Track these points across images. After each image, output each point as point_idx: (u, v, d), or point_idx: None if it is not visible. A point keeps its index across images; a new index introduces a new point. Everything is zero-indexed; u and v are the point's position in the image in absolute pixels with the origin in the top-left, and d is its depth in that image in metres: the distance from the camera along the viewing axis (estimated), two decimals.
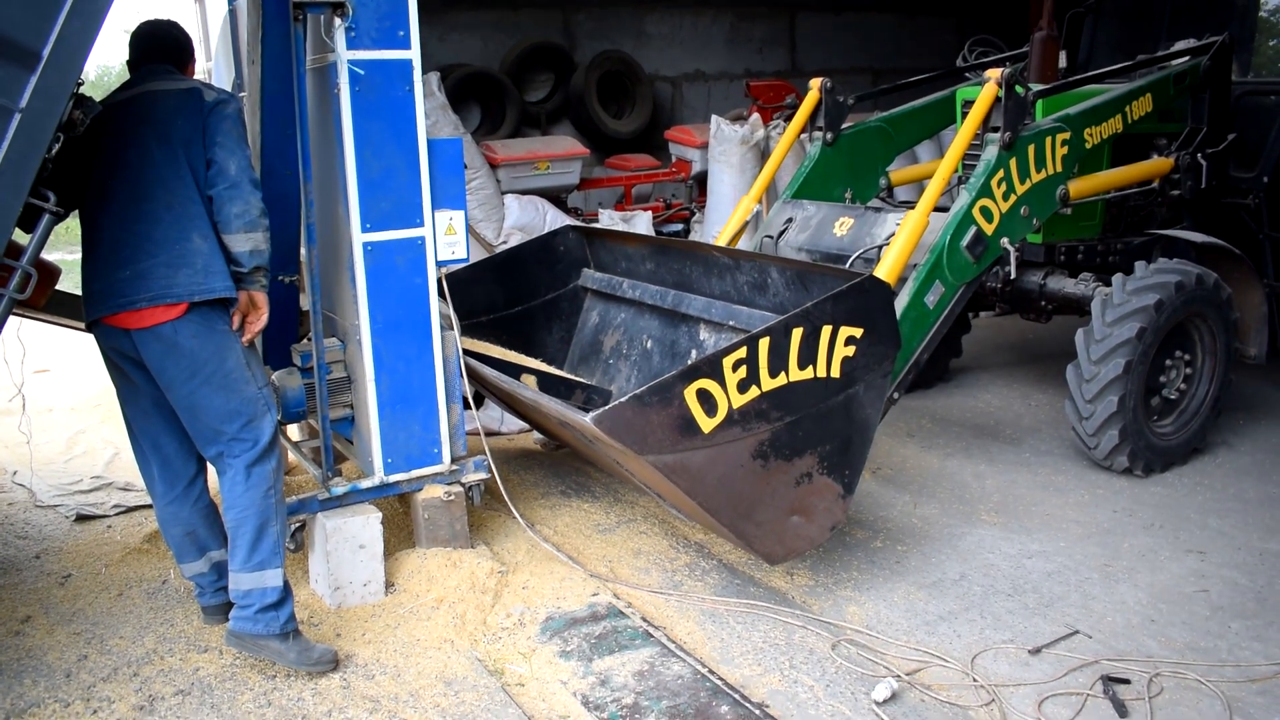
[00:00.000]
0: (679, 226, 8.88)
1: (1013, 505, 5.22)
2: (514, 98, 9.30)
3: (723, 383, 3.66)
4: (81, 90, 3.37)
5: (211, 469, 3.84)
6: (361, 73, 3.81)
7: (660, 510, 5.15)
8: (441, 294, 4.22)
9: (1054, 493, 5.37)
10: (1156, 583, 4.34)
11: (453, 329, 4.31)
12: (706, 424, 3.66)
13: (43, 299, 4.41)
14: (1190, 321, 5.69)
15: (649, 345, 5.65)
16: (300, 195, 3.97)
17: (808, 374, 3.84)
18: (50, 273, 4.37)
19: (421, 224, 4.07)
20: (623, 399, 3.54)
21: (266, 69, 3.89)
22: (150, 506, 5.26)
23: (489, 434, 6.36)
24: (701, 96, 11.18)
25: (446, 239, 4.15)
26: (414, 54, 3.94)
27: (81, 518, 5.14)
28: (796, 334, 3.79)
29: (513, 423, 6.46)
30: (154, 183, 3.48)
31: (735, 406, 3.69)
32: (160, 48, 3.74)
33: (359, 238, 3.96)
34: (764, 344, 3.72)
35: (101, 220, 3.55)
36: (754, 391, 3.72)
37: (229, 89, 5.63)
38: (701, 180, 8.90)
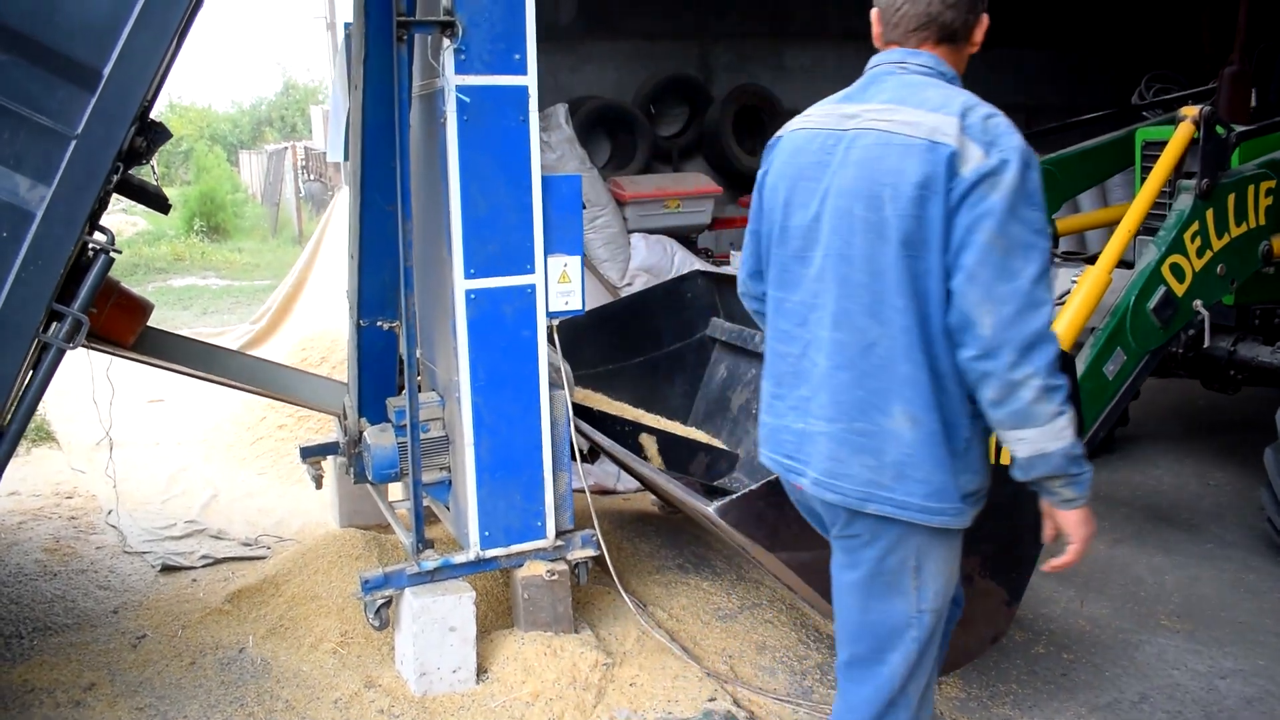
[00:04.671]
0: None
1: (1198, 609, 4.49)
2: (645, 131, 8.89)
3: None
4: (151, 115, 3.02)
5: None
6: (468, 100, 3.39)
7: (788, 594, 4.57)
8: (552, 347, 3.75)
9: (1246, 595, 4.62)
10: None
11: (564, 388, 3.84)
12: None
13: (130, 337, 4.11)
14: None
15: None
16: (400, 233, 3.55)
17: None
18: (137, 309, 4.07)
19: (532, 270, 3.62)
20: (753, 487, 3.01)
21: (368, 95, 3.50)
22: (237, 560, 4.95)
23: (601, 492, 5.89)
24: None
25: (560, 288, 3.69)
26: (530, 80, 3.50)
27: (167, 568, 4.83)
28: None
29: (629, 481, 5.97)
30: None
31: None
32: None
33: (461, 284, 3.53)
34: None
35: None
36: None
37: (344, 119, 5.32)
38: None
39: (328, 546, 4.57)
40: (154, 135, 2.96)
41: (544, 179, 3.58)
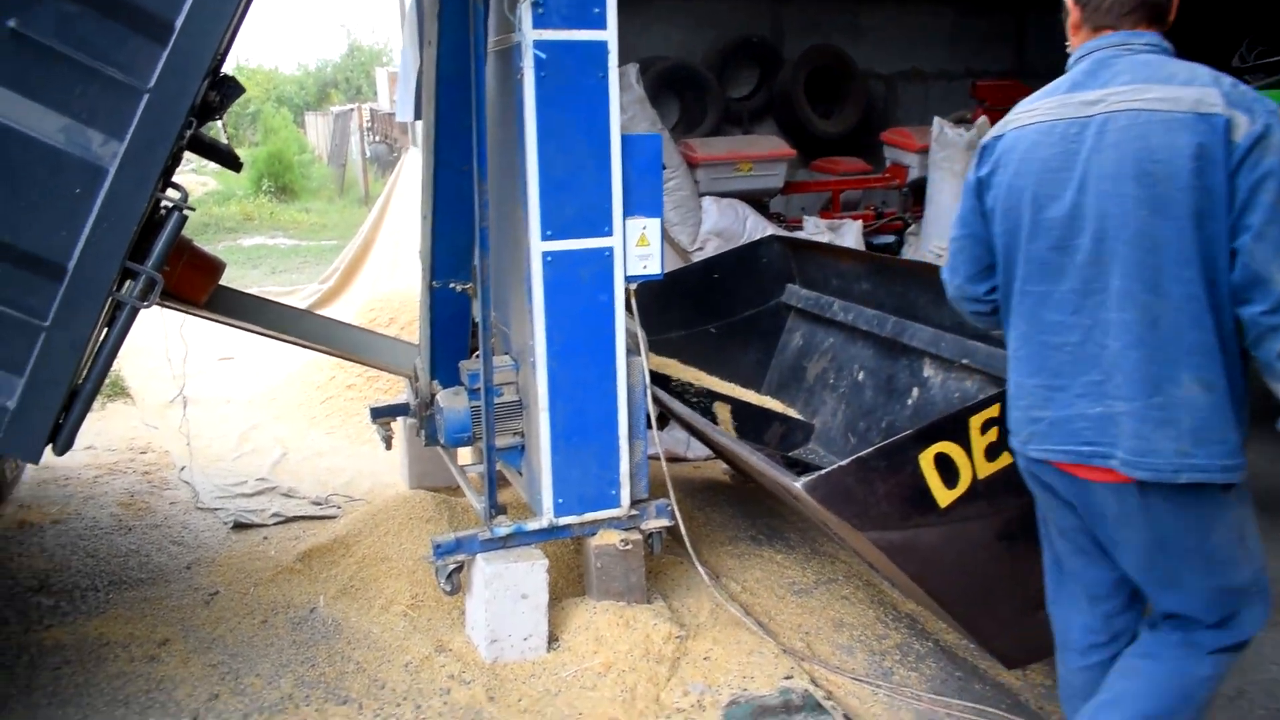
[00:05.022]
0: (890, 238, 8.11)
1: None
2: (716, 94, 8.72)
3: (968, 447, 2.96)
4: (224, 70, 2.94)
5: None
6: (545, 56, 3.27)
7: (865, 569, 4.45)
8: (629, 313, 3.64)
9: None
10: None
11: (640, 354, 3.74)
12: (944, 496, 2.97)
13: (203, 295, 4.08)
14: None
15: (860, 377, 4.95)
16: (475, 194, 3.46)
17: None
18: (210, 267, 4.04)
19: (610, 233, 3.51)
20: (843, 463, 2.89)
21: (443, 50, 3.40)
22: (308, 519, 4.95)
23: (671, 459, 5.79)
24: (917, 96, 10.32)
25: (638, 251, 3.58)
26: (610, 35, 3.38)
27: (239, 525, 4.84)
28: None
29: (700, 448, 5.87)
30: None
31: (981, 477, 2.99)
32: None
33: (537, 246, 3.43)
34: None
35: None
36: (1005, 459, 2.99)
37: (414, 79, 5.24)
38: (918, 188, 8.11)
39: (398, 508, 4.53)
40: (227, 90, 2.88)
41: (624, 138, 3.46)
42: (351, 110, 22.02)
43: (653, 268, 3.64)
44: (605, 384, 3.64)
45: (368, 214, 10.38)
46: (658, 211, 3.60)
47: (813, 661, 3.74)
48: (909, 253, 7.93)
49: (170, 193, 2.76)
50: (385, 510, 4.54)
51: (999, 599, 3.17)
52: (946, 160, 7.49)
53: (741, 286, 5.48)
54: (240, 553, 4.57)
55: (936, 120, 7.62)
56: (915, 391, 4.61)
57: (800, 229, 7.71)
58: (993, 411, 2.95)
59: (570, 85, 3.34)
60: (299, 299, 9.72)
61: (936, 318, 4.48)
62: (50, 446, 2.65)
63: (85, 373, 2.76)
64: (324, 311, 9.11)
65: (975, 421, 2.96)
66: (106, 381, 6.82)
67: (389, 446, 5.09)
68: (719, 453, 4.70)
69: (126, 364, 7.31)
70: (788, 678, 3.60)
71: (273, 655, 3.72)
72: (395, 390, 6.31)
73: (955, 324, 4.33)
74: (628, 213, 3.54)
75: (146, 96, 2.49)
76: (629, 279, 3.61)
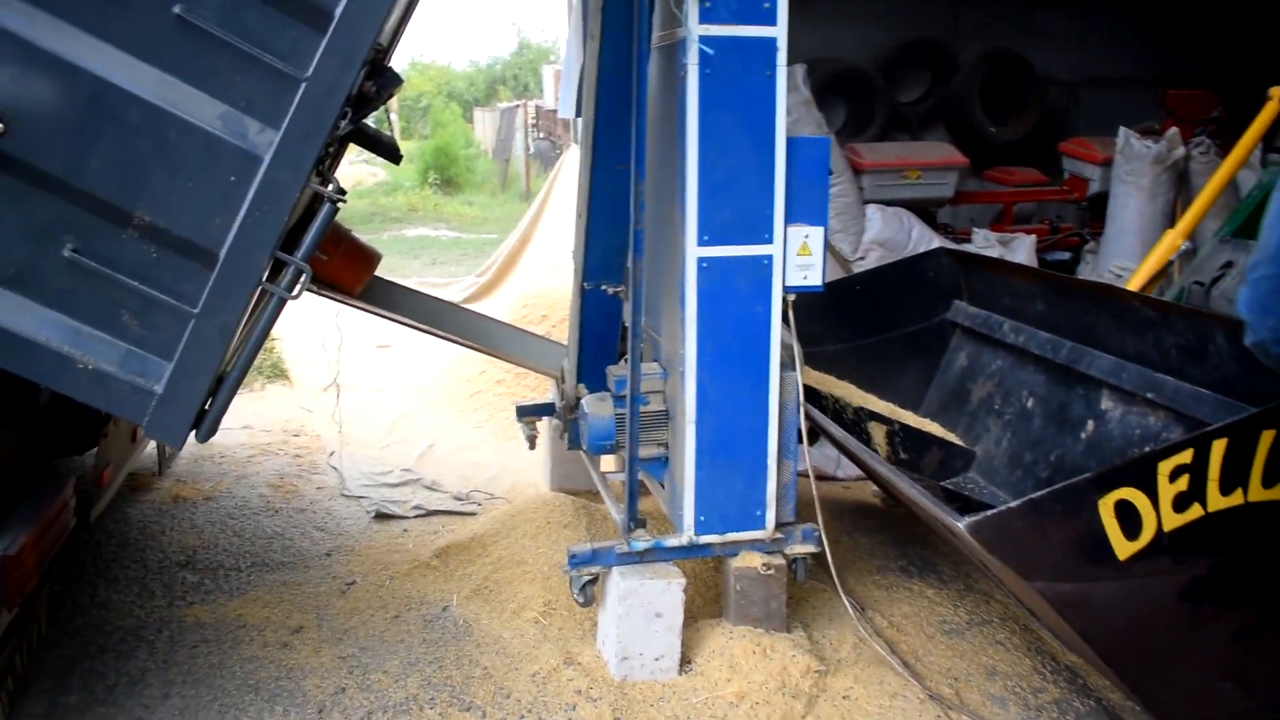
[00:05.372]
0: (1065, 255, 7.66)
1: None
2: (884, 97, 8.38)
3: (1154, 495, 2.67)
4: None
5: None
6: (711, 52, 3.11)
7: (1024, 612, 4.14)
8: (786, 325, 3.45)
9: None
10: None
11: (795, 369, 3.54)
12: (1124, 549, 2.69)
13: (358, 285, 4.09)
14: None
15: (1029, 404, 4.63)
16: (632, 194, 3.33)
17: (1276, 495, 2.75)
18: (365, 258, 4.04)
19: (771, 240, 3.33)
20: (1013, 504, 2.65)
21: (605, 45, 3.28)
22: (448, 514, 4.93)
23: (819, 478, 5.56)
24: (1100, 105, 9.71)
25: (799, 260, 3.39)
26: (780, 32, 3.20)
27: (381, 516, 4.87)
28: (1267, 438, 2.71)
29: (850, 467, 5.62)
30: None
31: (1168, 529, 2.69)
32: None
33: (693, 251, 3.28)
34: (1218, 447, 2.69)
35: None
36: (1195, 511, 2.70)
37: (578, 74, 5.17)
38: (1098, 202, 7.64)
39: (537, 510, 4.47)
40: (384, 81, 2.84)
41: (789, 141, 3.27)
42: (517, 107, 22.38)
43: (813, 279, 3.44)
44: (756, 399, 3.46)
45: (527, 209, 10.45)
46: (822, 220, 3.40)
47: (961, 711, 3.47)
48: (1085, 272, 7.47)
49: (322, 184, 2.73)
50: (525, 512, 4.48)
51: (1177, 665, 2.88)
52: (1132, 174, 7.02)
53: (905, 301, 5.21)
54: (380, 543, 4.58)
55: (1122, 131, 7.15)
56: (1090, 424, 4.27)
57: (968, 242, 7.35)
58: (1184, 457, 2.66)
59: (736, 83, 3.17)
60: (455, 291, 9.85)
61: (1119, 345, 4.14)
62: (194, 432, 2.65)
63: (231, 360, 2.75)
64: (478, 305, 9.21)
65: (1164, 467, 2.67)
66: (267, 364, 7.04)
67: (533, 446, 5.03)
68: (871, 476, 4.46)
69: (287, 348, 7.51)
70: None
71: (402, 653, 3.68)
72: (543, 389, 6.27)
73: (1139, 353, 3.99)
74: (790, 219, 3.35)
75: (304, 85, 2.45)
76: (788, 289, 3.42)
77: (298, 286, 2.67)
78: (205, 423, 2.67)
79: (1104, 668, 3.05)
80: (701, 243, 3.27)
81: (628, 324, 3.69)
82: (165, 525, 4.54)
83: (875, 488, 5.43)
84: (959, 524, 2.66)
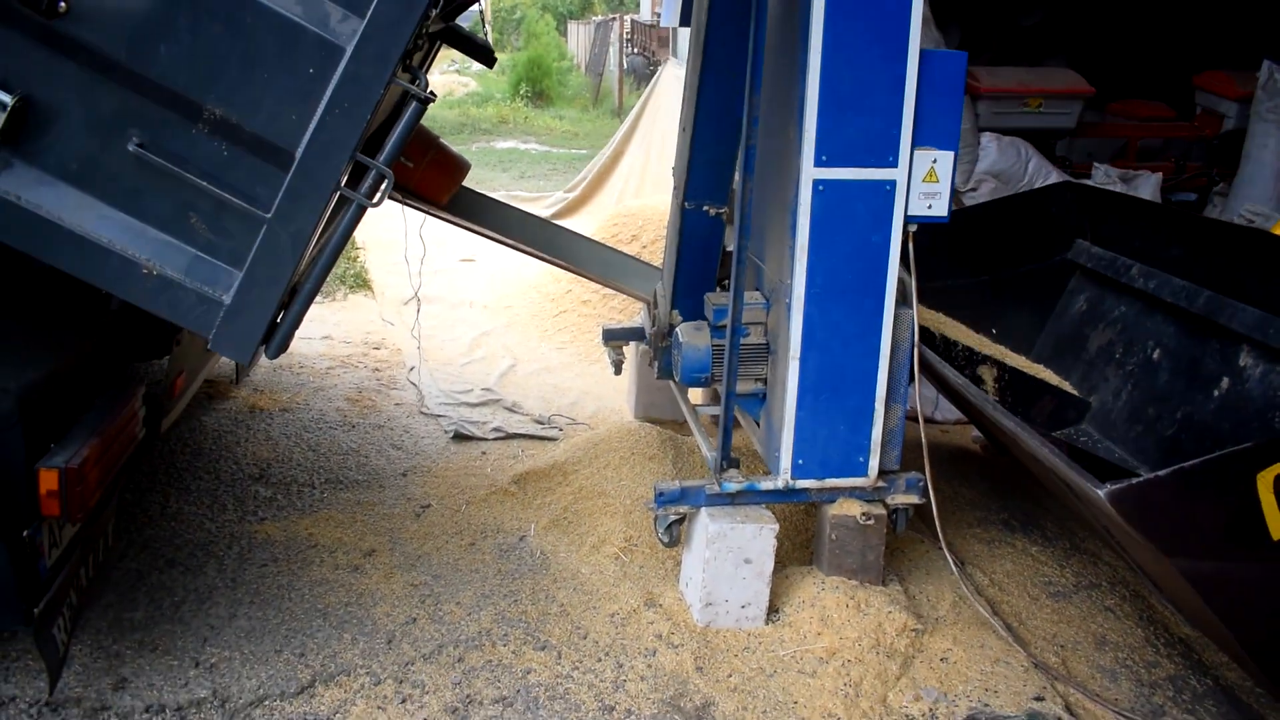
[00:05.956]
0: (1192, 196, 7.14)
1: None
2: (1002, 19, 7.85)
3: None
4: None
5: None
6: None
7: (1133, 576, 3.85)
8: (904, 260, 3.15)
9: None
10: None
11: (910, 306, 3.25)
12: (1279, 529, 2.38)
13: (445, 195, 3.87)
14: None
15: (1156, 356, 4.27)
16: (744, 109, 3.03)
17: None
18: (453, 167, 3.81)
19: (895, 164, 3.02)
20: (1160, 474, 2.34)
21: None
22: (528, 438, 4.76)
23: (915, 419, 5.29)
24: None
25: (924, 188, 3.07)
26: None
27: (459, 436, 4.71)
28: None
29: (949, 408, 5.32)
30: None
31: None
32: None
33: (809, 173, 2.98)
34: None
35: None
36: None
37: None
38: (1230, 141, 7.09)
39: (621, 440, 4.26)
40: None
41: (924, 54, 2.94)
42: (613, 20, 21.84)
43: (938, 209, 3.12)
44: (868, 337, 3.18)
45: (619, 125, 10.13)
46: (953, 144, 3.07)
47: (1069, 683, 3.22)
48: (1214, 215, 6.97)
49: (409, 81, 2.48)
50: (607, 441, 4.28)
51: None
52: (1274, 112, 6.47)
53: (1024, 237, 4.84)
54: (457, 466, 4.43)
55: (1266, 63, 6.57)
56: (1225, 382, 3.91)
57: (1088, 177, 6.88)
58: None
59: None
60: (543, 206, 9.62)
61: (1267, 298, 3.76)
62: (263, 348, 2.46)
63: (306, 271, 2.55)
64: (567, 222, 8.98)
65: None
66: (350, 273, 6.90)
67: (618, 371, 4.83)
68: (981, 425, 4.17)
69: (372, 257, 7.37)
70: (1038, 698, 3.11)
71: (476, 584, 3.53)
72: (630, 311, 6.04)
73: None
74: (917, 142, 3.03)
75: None
76: (910, 219, 3.11)
77: (379, 193, 2.44)
78: (276, 338, 2.47)
79: (1241, 654, 2.77)
80: (819, 163, 2.97)
81: (730, 249, 3.42)
82: (240, 436, 4.43)
83: (976, 433, 5.13)
84: (1099, 491, 2.38)
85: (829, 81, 2.90)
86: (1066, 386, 4.55)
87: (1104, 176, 6.79)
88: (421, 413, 4.96)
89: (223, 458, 4.21)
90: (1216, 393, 3.94)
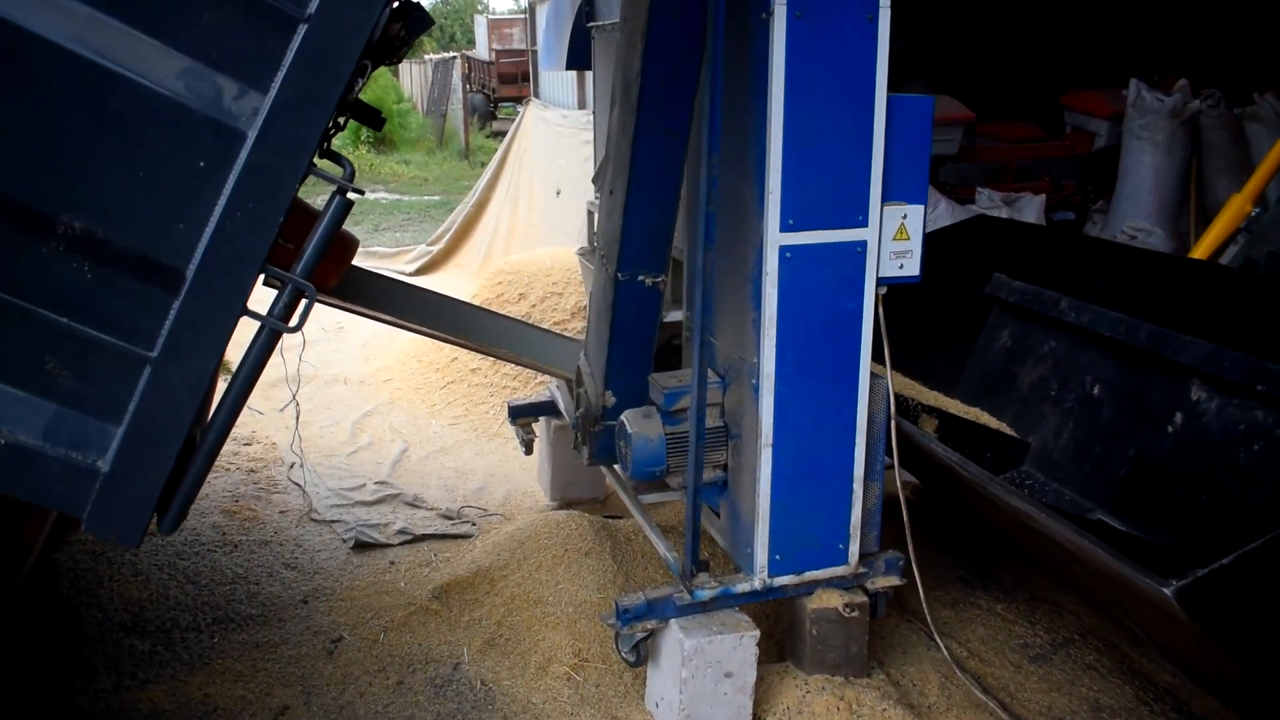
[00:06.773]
0: (1070, 215, 7.19)
1: None
2: None
3: None
4: None
5: None
6: None
7: (1099, 624, 3.64)
8: (877, 325, 2.84)
9: None
10: None
11: (885, 375, 2.94)
12: None
13: (333, 280, 3.36)
14: None
15: (1096, 392, 4.11)
16: (692, 171, 2.67)
17: None
18: (343, 247, 3.31)
19: (865, 223, 2.70)
20: (1224, 562, 2.08)
21: None
22: (439, 538, 4.26)
23: None
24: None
25: (895, 246, 2.77)
26: None
27: (360, 545, 4.17)
28: None
29: None
30: None
31: None
32: None
33: (775, 238, 2.64)
34: None
35: None
36: None
37: (570, 19, 4.48)
38: (1102, 158, 7.17)
39: (550, 535, 3.81)
40: (413, 22, 2.11)
41: (891, 100, 2.63)
42: (454, 59, 21.32)
43: (910, 269, 2.82)
44: (844, 413, 2.85)
45: (468, 167, 9.66)
46: (922, 197, 2.78)
47: None
48: (1094, 231, 7.01)
49: (327, 165, 2.01)
50: (535, 538, 3.83)
51: None
52: (1147, 129, 6.54)
53: (938, 275, 4.63)
54: (364, 583, 3.89)
55: (1134, 82, 6.66)
56: (1179, 417, 3.76)
57: (972, 202, 6.82)
58: None
59: (832, 29, 2.52)
60: (406, 261, 9.07)
61: (1214, 329, 3.63)
62: (155, 521, 1.93)
63: (207, 422, 2.03)
64: (435, 277, 8.47)
65: None
66: None
67: (529, 451, 4.40)
68: (921, 467, 3.90)
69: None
70: None
71: None
72: (525, 377, 5.61)
73: (1232, 337, 3.49)
74: (887, 197, 2.72)
75: (304, 28, 1.72)
76: (881, 281, 2.80)
77: (296, 314, 1.95)
78: (172, 508, 1.93)
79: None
80: (785, 228, 2.63)
81: (671, 319, 3.05)
82: (102, 574, 3.72)
83: (907, 477, 4.88)
84: (1165, 591, 2.09)
85: (793, 138, 2.56)
86: (1005, 429, 4.36)
87: (988, 200, 6.72)
88: (312, 519, 4.39)
89: (84, 605, 3.53)
90: (1170, 429, 3.79)
